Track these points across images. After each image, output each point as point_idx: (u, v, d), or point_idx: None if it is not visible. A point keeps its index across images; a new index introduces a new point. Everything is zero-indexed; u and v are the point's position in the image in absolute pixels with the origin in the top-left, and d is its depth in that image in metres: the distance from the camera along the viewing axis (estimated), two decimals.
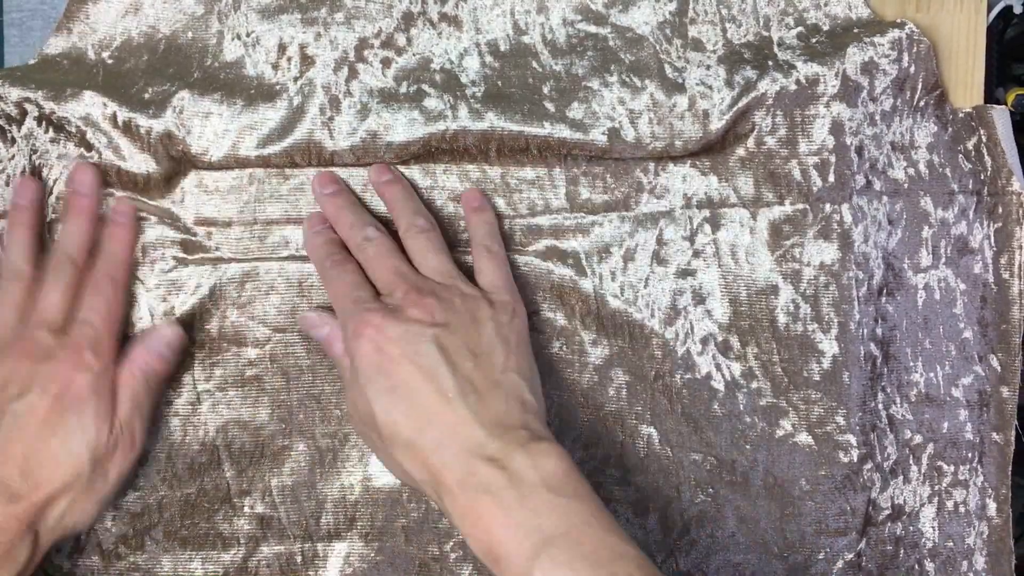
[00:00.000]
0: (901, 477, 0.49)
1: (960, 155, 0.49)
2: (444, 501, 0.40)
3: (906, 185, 0.49)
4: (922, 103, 0.49)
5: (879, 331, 0.49)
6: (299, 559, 0.48)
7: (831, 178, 0.47)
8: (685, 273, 0.48)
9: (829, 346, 0.48)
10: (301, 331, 0.48)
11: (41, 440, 0.42)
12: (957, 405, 0.49)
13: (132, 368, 0.45)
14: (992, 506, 0.49)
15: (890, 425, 0.49)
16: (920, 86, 0.48)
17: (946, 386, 0.49)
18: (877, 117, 0.48)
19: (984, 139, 0.49)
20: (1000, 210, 0.49)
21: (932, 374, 0.49)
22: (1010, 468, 0.49)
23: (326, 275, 0.46)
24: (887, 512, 0.49)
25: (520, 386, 0.42)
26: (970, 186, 0.49)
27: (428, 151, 0.47)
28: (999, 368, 0.49)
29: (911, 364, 0.49)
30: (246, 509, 0.49)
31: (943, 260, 0.49)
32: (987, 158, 0.49)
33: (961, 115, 0.49)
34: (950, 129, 0.49)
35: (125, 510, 0.48)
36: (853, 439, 0.48)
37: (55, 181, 0.48)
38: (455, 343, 0.41)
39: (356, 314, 0.42)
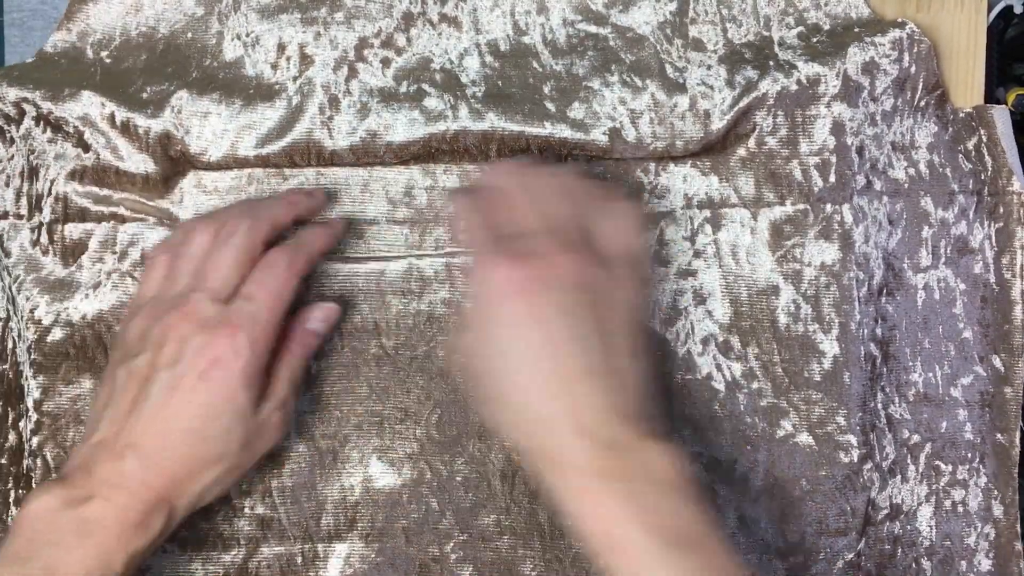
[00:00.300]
0: (899, 476, 0.49)
1: (960, 155, 0.49)
2: (553, 476, 0.38)
3: (906, 185, 0.49)
4: (922, 103, 0.49)
5: (879, 331, 0.49)
6: (299, 560, 0.48)
7: (832, 178, 0.47)
8: (686, 273, 0.48)
9: (830, 346, 0.48)
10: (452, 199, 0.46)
11: (187, 415, 0.40)
12: (956, 405, 0.49)
13: (291, 347, 0.44)
14: (998, 508, 0.49)
15: (889, 425, 0.49)
16: (921, 86, 0.48)
17: (945, 386, 0.49)
18: (878, 117, 0.48)
19: (984, 139, 0.49)
20: (1001, 210, 0.49)
21: (931, 374, 0.49)
22: (1016, 469, 0.49)
23: (459, 200, 0.43)
24: (885, 511, 0.49)
25: (644, 376, 0.40)
26: (970, 186, 0.49)
27: (428, 151, 0.47)
28: (1002, 369, 0.49)
29: (910, 364, 0.49)
30: (246, 510, 0.48)
31: (943, 260, 0.49)
32: (987, 158, 0.49)
33: (961, 115, 0.49)
34: (950, 129, 0.49)
35: None
36: (853, 439, 0.48)
37: (52, 182, 0.48)
38: (594, 317, 0.39)
39: (500, 247, 0.39)
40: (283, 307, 0.43)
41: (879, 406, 0.49)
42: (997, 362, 0.49)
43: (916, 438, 0.49)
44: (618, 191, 0.43)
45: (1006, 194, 0.49)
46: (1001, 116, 0.49)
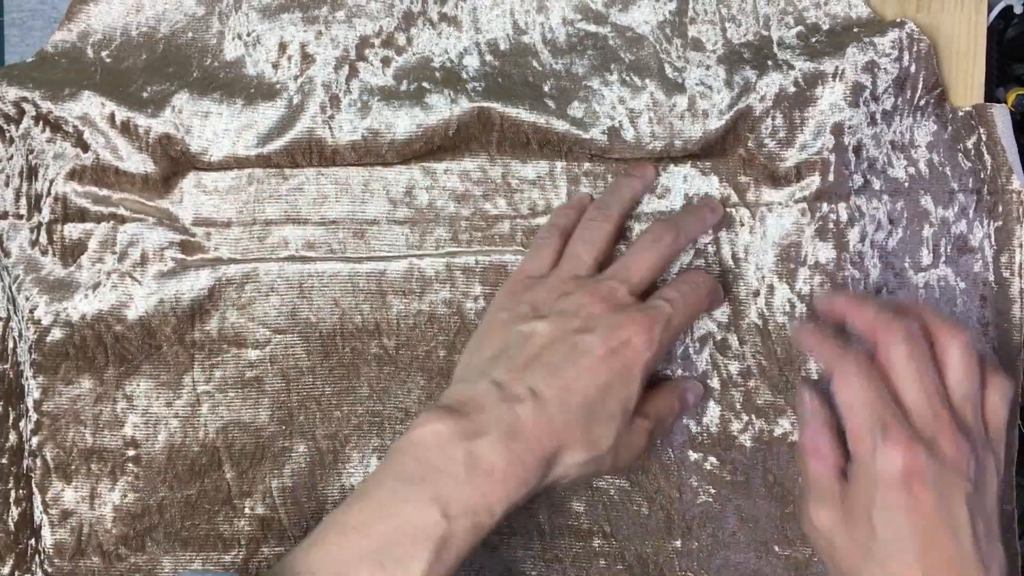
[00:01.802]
0: None
1: (960, 154, 0.49)
2: None
3: (906, 184, 0.49)
4: (922, 102, 0.49)
5: None
6: None
7: (830, 177, 0.47)
8: None
9: None
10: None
11: (588, 383, 0.40)
12: None
13: (666, 394, 0.45)
14: None
15: None
16: (920, 85, 0.48)
17: None
18: (877, 116, 0.48)
19: (984, 138, 0.49)
20: (1000, 209, 0.49)
21: None
22: (1013, 468, 0.49)
23: (845, 368, 0.41)
24: None
25: (1003, 559, 0.40)
26: (970, 185, 0.49)
27: (429, 149, 0.47)
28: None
29: None
30: (247, 510, 0.48)
31: (943, 259, 0.49)
32: (987, 157, 0.49)
33: (961, 114, 0.49)
34: (950, 128, 0.49)
35: (126, 511, 0.48)
36: None
37: (51, 181, 0.48)
38: (979, 507, 0.39)
39: (887, 426, 0.39)
40: (689, 324, 0.45)
41: None
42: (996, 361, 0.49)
43: None
44: (996, 364, 0.43)
45: (1005, 193, 0.49)
46: (1001, 114, 0.49)
